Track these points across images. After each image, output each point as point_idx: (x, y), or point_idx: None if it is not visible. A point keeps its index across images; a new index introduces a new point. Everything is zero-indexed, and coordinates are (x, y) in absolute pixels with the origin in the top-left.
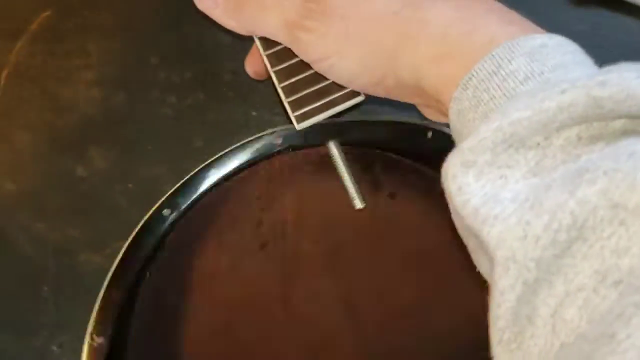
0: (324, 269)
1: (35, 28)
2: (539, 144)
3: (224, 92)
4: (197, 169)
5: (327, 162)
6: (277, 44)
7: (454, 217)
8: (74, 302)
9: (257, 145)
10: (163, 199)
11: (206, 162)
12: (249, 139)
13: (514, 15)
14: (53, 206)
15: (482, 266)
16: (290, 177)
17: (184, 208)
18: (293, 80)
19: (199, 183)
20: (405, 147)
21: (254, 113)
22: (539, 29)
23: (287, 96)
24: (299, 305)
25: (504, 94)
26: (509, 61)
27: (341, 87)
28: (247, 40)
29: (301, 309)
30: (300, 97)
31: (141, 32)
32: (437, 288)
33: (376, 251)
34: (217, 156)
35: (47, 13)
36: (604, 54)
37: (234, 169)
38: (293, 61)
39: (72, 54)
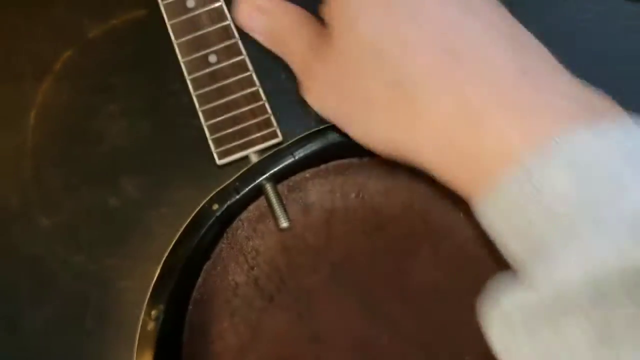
0: (336, 291)
1: (59, 67)
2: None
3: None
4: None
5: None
6: (205, 85)
7: None
8: (118, 331)
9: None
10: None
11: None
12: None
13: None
14: (89, 238)
15: None
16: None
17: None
18: (217, 119)
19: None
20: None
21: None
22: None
23: (211, 134)
24: (329, 338)
25: (538, 214)
26: (543, 170)
27: (260, 129)
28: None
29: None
30: (223, 135)
31: (162, 61)
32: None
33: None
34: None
35: (69, 52)
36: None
37: None
38: (218, 102)
39: (96, 88)
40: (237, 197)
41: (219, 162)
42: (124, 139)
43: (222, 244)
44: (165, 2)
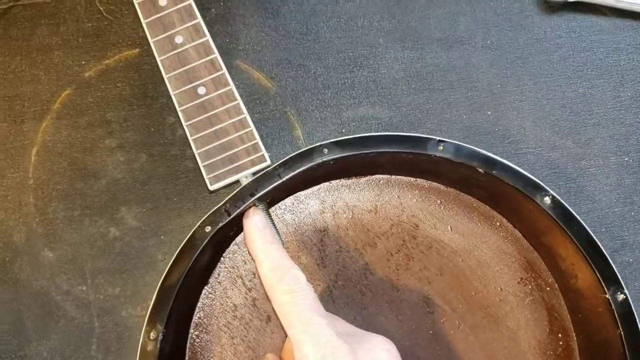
0: (332, 308)
1: (58, 106)
2: None
3: None
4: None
5: None
6: (196, 116)
7: None
8: (121, 357)
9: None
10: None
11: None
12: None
13: None
14: (92, 268)
15: None
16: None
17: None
18: (207, 147)
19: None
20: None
21: (268, 154)
22: None
23: (202, 161)
24: None
25: None
26: None
27: (249, 154)
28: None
29: None
30: (214, 162)
31: (156, 97)
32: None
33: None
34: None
35: (68, 91)
36: (584, 57)
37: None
38: (208, 131)
39: (94, 124)
40: (229, 218)
41: (210, 187)
42: (122, 171)
43: (220, 268)
44: (155, 39)
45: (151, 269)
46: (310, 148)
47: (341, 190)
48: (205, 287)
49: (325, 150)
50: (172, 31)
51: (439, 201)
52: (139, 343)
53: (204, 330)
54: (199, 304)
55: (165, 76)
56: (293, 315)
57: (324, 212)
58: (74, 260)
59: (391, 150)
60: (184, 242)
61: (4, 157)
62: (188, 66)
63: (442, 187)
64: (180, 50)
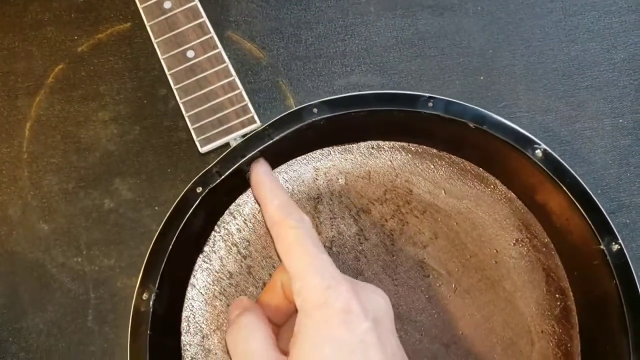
0: None
1: (51, 81)
2: None
3: None
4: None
5: None
6: (185, 79)
7: None
8: (118, 327)
9: None
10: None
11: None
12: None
13: None
14: (87, 240)
15: None
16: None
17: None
18: (197, 110)
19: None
20: None
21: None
22: None
23: (192, 123)
24: None
25: None
26: None
27: (239, 116)
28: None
29: None
30: (203, 124)
31: (148, 69)
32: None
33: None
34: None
35: (61, 66)
36: (576, 21)
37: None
38: (198, 94)
39: (87, 98)
40: (220, 179)
41: (201, 149)
42: (115, 143)
43: (215, 237)
44: (144, 5)
45: (146, 240)
46: (300, 108)
47: (334, 156)
48: (201, 256)
49: (315, 110)
50: None
51: (432, 165)
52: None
53: (200, 297)
54: (195, 272)
55: (154, 41)
56: (298, 248)
57: (317, 179)
58: (69, 233)
59: (381, 109)
60: (176, 202)
61: None
62: (177, 30)
63: (434, 150)
64: (169, 15)
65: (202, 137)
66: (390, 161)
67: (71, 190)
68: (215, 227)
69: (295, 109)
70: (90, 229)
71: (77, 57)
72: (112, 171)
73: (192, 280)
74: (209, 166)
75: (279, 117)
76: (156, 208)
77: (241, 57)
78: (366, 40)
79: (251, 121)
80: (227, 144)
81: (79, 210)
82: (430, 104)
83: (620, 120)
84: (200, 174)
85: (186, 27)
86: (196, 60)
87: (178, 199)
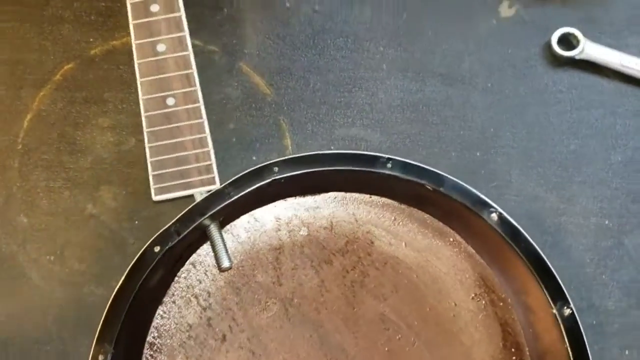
0: (288, 326)
1: (58, 78)
2: None
3: (229, 139)
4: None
5: None
6: (159, 124)
7: None
8: (76, 334)
9: None
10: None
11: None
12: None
13: None
14: (63, 241)
15: None
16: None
17: None
18: (162, 157)
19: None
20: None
21: (254, 158)
22: None
23: (153, 169)
24: None
25: None
26: None
27: (200, 173)
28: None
29: None
30: (164, 173)
31: None
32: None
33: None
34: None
35: (71, 65)
36: (581, 115)
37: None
38: (167, 142)
39: (90, 101)
40: (179, 238)
41: (154, 197)
42: (109, 151)
43: (174, 288)
44: (137, 42)
45: (120, 252)
46: (261, 167)
47: (296, 207)
48: (160, 307)
49: (276, 169)
50: (157, 38)
51: (393, 217)
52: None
53: (158, 350)
54: (154, 324)
55: (138, 79)
56: None
57: (279, 229)
58: (47, 230)
59: (342, 169)
60: (133, 261)
61: None
62: (163, 75)
63: (396, 203)
64: (159, 58)
65: (159, 185)
66: (353, 213)
67: (57, 189)
68: (175, 278)
69: (256, 167)
70: (68, 231)
71: (89, 60)
72: (100, 178)
73: (151, 332)
74: (167, 225)
75: (239, 175)
76: (136, 222)
77: (248, 90)
78: (372, 96)
79: (211, 182)
80: (182, 197)
81: (61, 210)
82: (389, 165)
83: (606, 222)
84: (157, 234)
85: (174, 74)
86: (175, 109)
87: (136, 259)
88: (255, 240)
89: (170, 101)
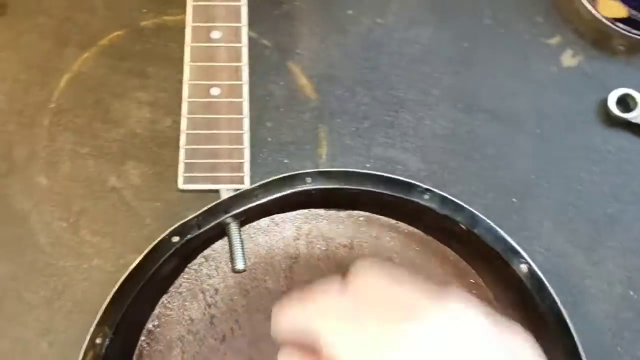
0: None
1: (104, 43)
2: None
3: (264, 137)
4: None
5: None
6: (199, 112)
7: None
8: (70, 308)
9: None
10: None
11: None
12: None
13: None
14: (79, 209)
15: None
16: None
17: None
18: (195, 146)
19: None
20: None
21: (286, 161)
22: None
23: (184, 157)
24: None
25: None
26: None
27: (232, 170)
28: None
29: None
30: (195, 163)
31: None
32: None
33: None
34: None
35: (119, 32)
36: (625, 179)
37: None
38: (203, 132)
39: (132, 73)
40: (198, 232)
41: (180, 185)
42: (143, 127)
43: (183, 278)
44: (194, 24)
45: (135, 230)
46: (294, 174)
47: (319, 219)
48: (164, 296)
49: (309, 180)
50: (213, 24)
51: (417, 248)
52: (96, 297)
53: (155, 339)
54: (155, 312)
55: (186, 62)
56: None
57: (298, 239)
58: (65, 196)
59: (376, 190)
60: (149, 248)
61: (35, 72)
62: (213, 63)
63: (422, 234)
64: (212, 45)
65: (188, 174)
66: (376, 236)
67: (83, 156)
68: (185, 269)
69: (288, 174)
70: (86, 200)
71: (138, 30)
72: (128, 152)
73: (151, 319)
74: (190, 217)
75: (271, 180)
76: (157, 204)
77: (292, 90)
78: (418, 120)
79: (240, 181)
80: (209, 190)
81: (83, 178)
82: (426, 196)
83: (631, 293)
84: (178, 224)
85: (224, 64)
86: (218, 100)
87: (152, 247)
88: (272, 245)
89: (215, 91)
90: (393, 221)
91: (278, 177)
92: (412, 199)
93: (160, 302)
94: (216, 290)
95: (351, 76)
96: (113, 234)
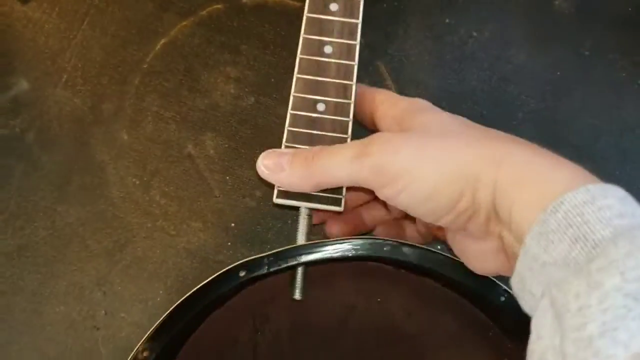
0: None
1: (204, 14)
2: None
3: None
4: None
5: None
6: (301, 126)
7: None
8: (133, 261)
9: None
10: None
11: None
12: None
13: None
14: (152, 169)
15: None
16: (281, 297)
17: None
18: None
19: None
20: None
21: None
22: None
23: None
24: None
25: (600, 221)
26: (604, 197)
27: (328, 191)
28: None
29: None
30: None
31: (293, 56)
32: None
33: None
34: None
35: (219, 6)
36: None
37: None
38: (303, 146)
39: (226, 47)
40: (265, 271)
41: (275, 199)
42: (227, 102)
43: (236, 298)
44: (306, 36)
45: (203, 200)
46: (387, 242)
47: (385, 276)
48: (215, 312)
49: (407, 250)
50: (326, 38)
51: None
52: (148, 263)
53: (195, 355)
54: (201, 327)
55: (296, 74)
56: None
57: (359, 290)
58: (142, 154)
59: (456, 279)
60: (214, 277)
61: (135, 32)
62: (322, 78)
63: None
64: (323, 59)
65: (284, 189)
66: (435, 307)
67: (165, 119)
68: (243, 291)
69: (380, 239)
70: (161, 162)
71: (238, 6)
72: (209, 123)
73: (196, 334)
74: (261, 255)
75: (352, 249)
76: (227, 178)
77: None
78: None
79: (336, 202)
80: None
81: (162, 140)
82: (502, 299)
83: None
84: (248, 259)
85: (333, 80)
86: (322, 116)
87: (217, 275)
88: (332, 290)
89: (321, 107)
90: (458, 297)
91: (366, 238)
92: (490, 299)
93: (209, 317)
94: (267, 318)
95: (437, 85)
96: (181, 199)
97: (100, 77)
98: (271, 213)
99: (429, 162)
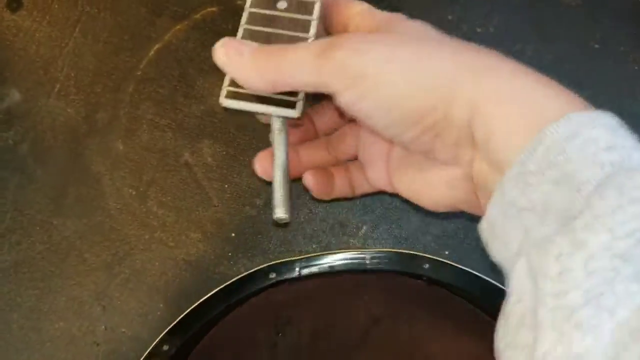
0: None
1: (198, 17)
2: None
3: None
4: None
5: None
6: (258, 24)
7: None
8: (132, 274)
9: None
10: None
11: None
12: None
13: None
14: (149, 179)
15: None
16: (307, 301)
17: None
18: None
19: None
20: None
21: None
22: None
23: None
24: None
25: (585, 158)
26: (592, 127)
27: (282, 93)
28: None
29: None
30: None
31: None
32: None
33: None
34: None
35: (213, 9)
36: None
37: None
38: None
39: None
40: (297, 275)
41: (223, 102)
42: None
43: (261, 296)
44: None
45: (201, 209)
46: (418, 255)
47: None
48: (238, 308)
49: (426, 266)
50: None
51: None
52: (148, 275)
53: (216, 341)
54: (220, 322)
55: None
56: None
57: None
58: (138, 164)
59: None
60: (243, 275)
61: (128, 38)
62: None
63: None
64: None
65: (233, 89)
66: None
67: (161, 127)
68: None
69: (413, 253)
70: (158, 171)
71: (232, 9)
72: (206, 130)
73: (211, 332)
74: (293, 258)
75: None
76: (225, 185)
77: None
78: None
79: (292, 106)
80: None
81: (158, 148)
82: None
83: None
84: (281, 260)
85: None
86: (283, 14)
87: (247, 273)
88: (356, 300)
89: (282, 5)
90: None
91: (397, 251)
92: None
93: (231, 313)
94: (289, 320)
95: None
96: (179, 210)
97: (93, 85)
98: (273, 221)
99: (399, 66)
